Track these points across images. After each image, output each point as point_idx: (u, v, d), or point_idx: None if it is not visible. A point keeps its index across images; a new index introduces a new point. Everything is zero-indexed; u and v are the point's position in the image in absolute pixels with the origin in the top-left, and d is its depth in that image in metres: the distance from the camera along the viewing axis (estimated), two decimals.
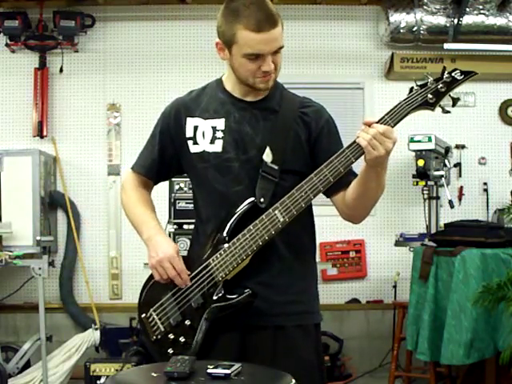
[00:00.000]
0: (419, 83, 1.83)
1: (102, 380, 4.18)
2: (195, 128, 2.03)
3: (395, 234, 5.08)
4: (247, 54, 1.89)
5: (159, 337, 1.99)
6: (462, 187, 5.39)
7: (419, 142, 4.64)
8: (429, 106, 1.81)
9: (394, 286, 5.17)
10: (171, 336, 1.97)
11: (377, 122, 1.80)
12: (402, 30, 5.18)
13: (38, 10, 5.25)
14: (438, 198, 4.89)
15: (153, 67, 5.38)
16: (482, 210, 5.40)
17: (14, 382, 4.51)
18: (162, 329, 1.98)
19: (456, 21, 5.09)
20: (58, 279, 5.17)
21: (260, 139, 1.98)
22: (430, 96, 1.81)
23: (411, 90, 1.83)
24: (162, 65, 5.38)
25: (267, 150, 1.96)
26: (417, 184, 4.82)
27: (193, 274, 1.95)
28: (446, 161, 4.85)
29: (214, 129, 2.00)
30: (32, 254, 4.55)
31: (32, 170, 4.75)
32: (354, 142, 1.82)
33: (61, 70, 5.31)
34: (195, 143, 2.03)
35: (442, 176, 4.70)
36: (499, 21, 5.12)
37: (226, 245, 1.92)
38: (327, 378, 4.97)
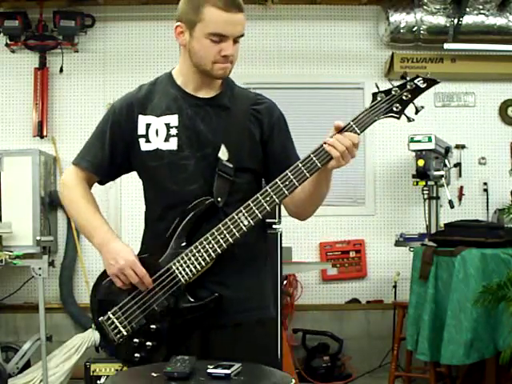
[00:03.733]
0: (383, 90, 1.83)
1: (102, 380, 4.18)
2: (147, 126, 2.00)
3: (395, 233, 5.08)
4: (212, 33, 1.87)
5: (121, 340, 1.95)
6: (462, 187, 5.39)
7: (419, 141, 4.64)
8: (394, 113, 1.83)
9: (394, 286, 5.17)
10: (136, 340, 1.93)
11: (343, 129, 1.80)
12: (402, 30, 5.18)
13: (38, 10, 5.25)
14: (438, 198, 4.89)
15: (153, 67, 5.37)
16: (482, 210, 5.40)
17: (14, 381, 4.51)
18: (125, 333, 1.94)
19: (456, 21, 5.09)
20: (57, 279, 5.17)
21: (214, 137, 1.96)
22: (396, 105, 1.82)
23: (375, 97, 1.83)
24: (161, 65, 5.38)
25: (222, 147, 1.95)
26: (417, 184, 4.82)
27: (154, 277, 1.92)
28: (446, 161, 4.85)
29: (168, 126, 1.98)
30: (32, 254, 4.54)
31: (32, 170, 4.75)
32: (321, 147, 1.82)
33: (61, 70, 5.31)
34: (147, 141, 1.99)
35: (442, 176, 4.70)
36: (499, 21, 5.12)
37: (189, 248, 1.90)
38: (327, 378, 4.98)
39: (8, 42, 5.24)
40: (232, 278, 1.97)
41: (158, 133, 1.99)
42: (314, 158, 1.83)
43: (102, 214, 2.06)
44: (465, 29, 5.11)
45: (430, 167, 4.65)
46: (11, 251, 4.39)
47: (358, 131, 1.81)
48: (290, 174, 1.85)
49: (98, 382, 4.19)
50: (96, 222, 2.01)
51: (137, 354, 1.93)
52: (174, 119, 1.98)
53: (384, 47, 5.42)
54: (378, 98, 1.83)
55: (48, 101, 5.29)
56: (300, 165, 1.84)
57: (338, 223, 5.34)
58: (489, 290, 3.44)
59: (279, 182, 1.86)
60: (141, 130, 2.00)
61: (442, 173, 4.71)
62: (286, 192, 1.85)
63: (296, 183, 1.85)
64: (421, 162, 4.62)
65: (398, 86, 1.82)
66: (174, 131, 1.97)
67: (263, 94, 2.10)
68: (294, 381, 1.62)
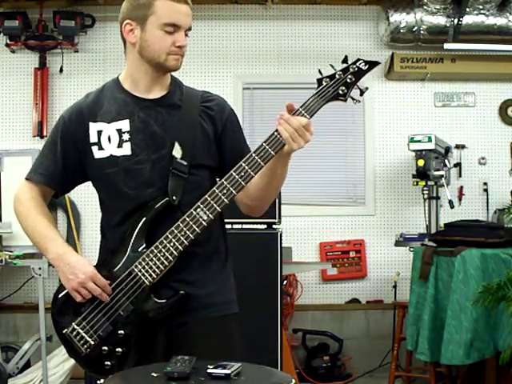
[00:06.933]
0: (326, 75, 1.87)
1: (102, 380, 4.17)
2: (99, 133, 1.98)
3: (395, 233, 5.08)
4: (166, 23, 1.90)
5: (88, 350, 1.92)
6: (462, 187, 5.39)
7: (419, 141, 4.64)
8: (341, 96, 1.88)
9: (394, 286, 5.17)
10: (105, 348, 1.91)
11: (293, 115, 1.83)
12: (402, 30, 5.18)
13: (38, 10, 5.25)
14: (438, 198, 4.89)
15: None
16: (482, 210, 5.40)
17: (14, 381, 4.51)
18: (92, 342, 1.91)
19: (456, 21, 5.09)
20: (58, 279, 5.15)
21: (169, 136, 1.96)
22: (341, 88, 1.86)
23: (320, 82, 1.87)
24: None
25: (176, 145, 1.94)
26: (417, 184, 4.82)
27: (116, 282, 1.90)
28: (446, 161, 4.85)
29: (120, 131, 1.96)
30: (32, 254, 4.54)
31: None
32: (273, 135, 1.83)
33: (61, 70, 5.31)
34: (100, 148, 1.97)
35: (442, 176, 4.70)
36: (499, 21, 5.13)
37: (149, 249, 1.89)
38: (327, 378, 4.98)
39: (8, 41, 5.24)
40: (193, 276, 1.96)
41: (110, 139, 1.97)
42: (267, 147, 1.84)
43: (57, 229, 2.03)
44: (465, 29, 5.11)
45: (430, 167, 4.65)
46: (11, 251, 4.39)
47: (308, 116, 1.84)
48: (244, 164, 1.85)
49: (98, 382, 4.18)
50: (50, 236, 1.98)
51: (107, 362, 1.91)
52: (125, 124, 1.97)
53: (384, 47, 5.42)
54: (324, 83, 1.87)
55: (48, 101, 5.29)
56: (254, 154, 1.85)
57: (338, 223, 5.34)
58: (489, 289, 3.44)
59: (234, 174, 1.86)
60: (93, 138, 1.98)
61: (442, 173, 4.71)
62: (243, 183, 1.86)
63: (251, 173, 1.85)
64: (421, 162, 4.62)
65: (341, 70, 1.87)
66: (126, 136, 1.96)
67: (211, 91, 2.10)
68: (294, 381, 1.62)
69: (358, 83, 1.86)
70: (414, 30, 5.16)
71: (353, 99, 1.89)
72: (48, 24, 5.27)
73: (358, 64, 1.86)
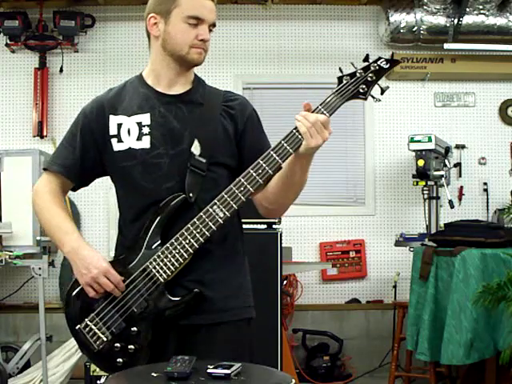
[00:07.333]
0: (346, 73, 1.86)
1: (102, 380, 4.17)
2: (119, 125, 1.98)
3: (395, 234, 5.08)
4: (190, 16, 1.90)
5: (101, 347, 1.90)
6: (462, 187, 5.39)
7: (419, 141, 4.64)
8: (361, 95, 1.86)
9: (394, 286, 5.18)
10: (118, 345, 1.89)
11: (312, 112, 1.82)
12: (402, 30, 5.18)
13: (38, 10, 5.25)
14: (438, 197, 4.89)
15: None
16: (482, 210, 5.40)
17: (14, 381, 4.51)
18: (105, 338, 1.90)
19: (456, 21, 5.09)
20: (57, 279, 5.17)
21: (188, 132, 1.95)
22: (362, 86, 1.85)
23: (340, 80, 1.86)
24: None
25: (195, 142, 1.94)
26: (417, 184, 4.82)
27: (130, 279, 1.89)
28: (446, 161, 4.85)
29: (140, 125, 1.96)
30: (32, 254, 4.54)
31: (32, 169, 4.74)
32: (291, 132, 1.83)
33: (61, 70, 5.32)
34: (120, 141, 1.97)
35: (442, 176, 4.70)
36: (499, 21, 5.13)
37: (164, 246, 1.88)
38: (327, 378, 4.98)
39: (8, 41, 5.24)
40: (208, 276, 1.94)
41: (129, 132, 1.97)
42: (285, 145, 1.83)
43: (73, 222, 2.02)
44: (465, 29, 5.12)
45: (430, 167, 4.66)
46: (11, 251, 4.39)
47: (327, 114, 1.84)
48: (261, 162, 1.85)
49: (98, 381, 4.19)
50: (66, 229, 1.96)
51: (119, 359, 1.89)
52: (145, 118, 1.97)
53: (384, 47, 5.42)
54: (344, 81, 1.86)
55: (48, 101, 5.30)
56: (272, 152, 1.84)
57: (338, 223, 5.34)
58: (489, 289, 3.43)
59: (252, 171, 1.85)
60: (112, 131, 1.99)
61: (442, 173, 4.71)
62: (260, 180, 1.85)
63: (269, 170, 1.84)
64: (421, 162, 4.62)
65: (362, 69, 1.86)
66: (146, 130, 1.96)
67: (233, 91, 2.11)
68: (294, 381, 1.62)
69: (378, 82, 1.86)
70: (414, 29, 5.16)
71: (373, 98, 1.88)
72: (48, 24, 5.28)
73: (379, 62, 1.85)
